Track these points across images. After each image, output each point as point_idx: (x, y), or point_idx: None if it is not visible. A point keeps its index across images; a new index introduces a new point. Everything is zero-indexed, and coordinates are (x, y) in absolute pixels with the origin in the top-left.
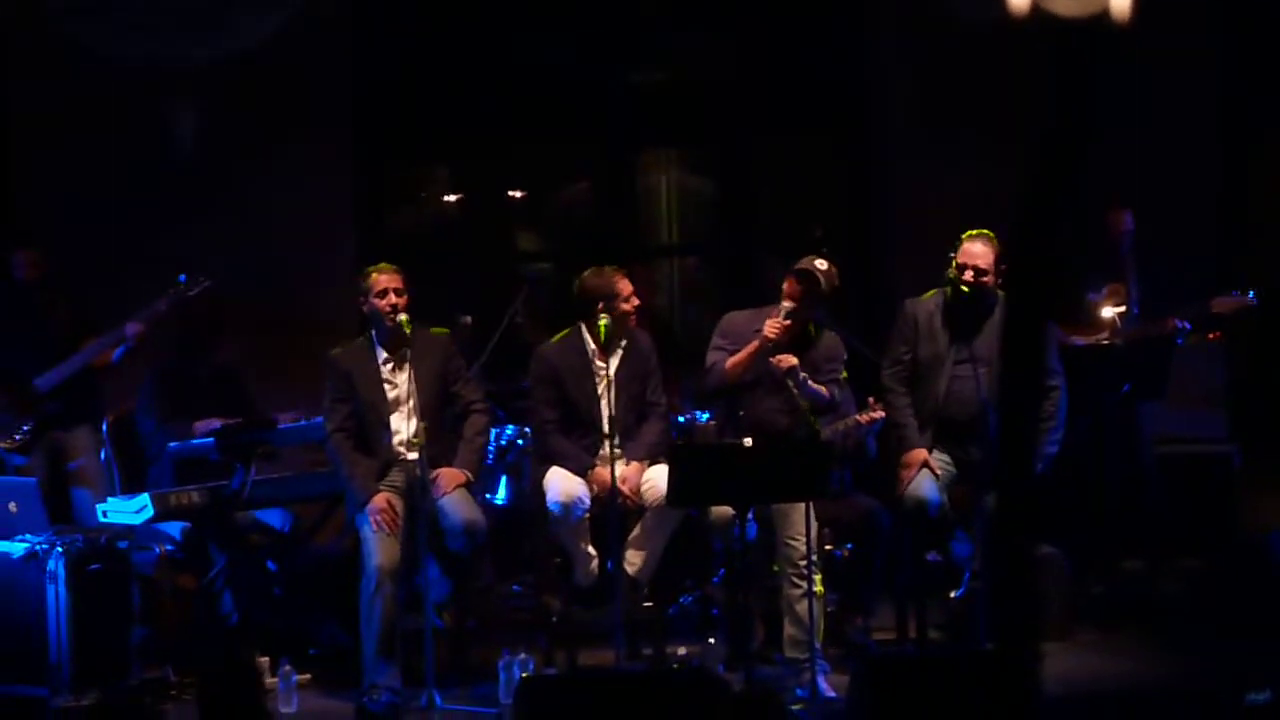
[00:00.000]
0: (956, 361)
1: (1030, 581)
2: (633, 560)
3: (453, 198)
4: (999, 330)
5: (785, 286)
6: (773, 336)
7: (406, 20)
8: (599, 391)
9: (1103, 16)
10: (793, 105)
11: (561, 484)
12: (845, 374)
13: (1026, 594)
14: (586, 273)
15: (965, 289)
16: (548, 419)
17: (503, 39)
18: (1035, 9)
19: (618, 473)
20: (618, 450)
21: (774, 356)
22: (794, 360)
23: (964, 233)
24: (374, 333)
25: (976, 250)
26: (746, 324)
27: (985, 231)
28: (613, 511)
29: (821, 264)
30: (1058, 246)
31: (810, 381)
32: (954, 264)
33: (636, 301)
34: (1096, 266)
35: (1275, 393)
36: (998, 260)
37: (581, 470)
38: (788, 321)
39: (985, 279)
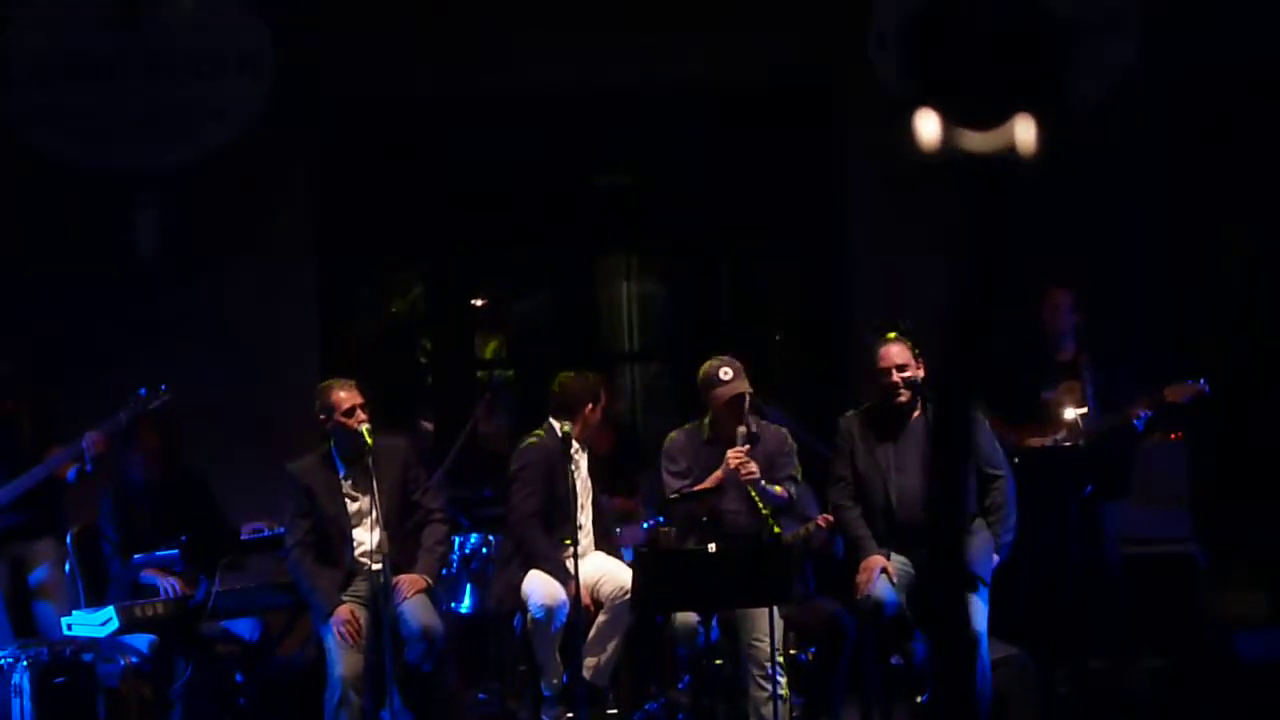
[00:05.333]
0: (898, 468)
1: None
2: (587, 664)
3: (414, 304)
4: (923, 429)
5: (719, 412)
6: (736, 465)
7: (368, 127)
8: (576, 489)
9: (1010, 151)
10: (754, 212)
11: (544, 588)
12: (799, 467)
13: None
14: (570, 375)
15: (900, 390)
16: (530, 512)
17: (464, 145)
18: (945, 145)
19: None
20: (582, 548)
21: (738, 466)
22: (756, 472)
23: (876, 343)
24: (333, 446)
25: (894, 351)
26: (689, 442)
27: (892, 335)
28: (578, 615)
29: (727, 372)
30: (981, 363)
31: (767, 485)
32: (880, 371)
33: (599, 412)
34: (1046, 364)
35: (1238, 492)
36: (915, 357)
37: (563, 578)
38: (748, 445)
39: (907, 373)
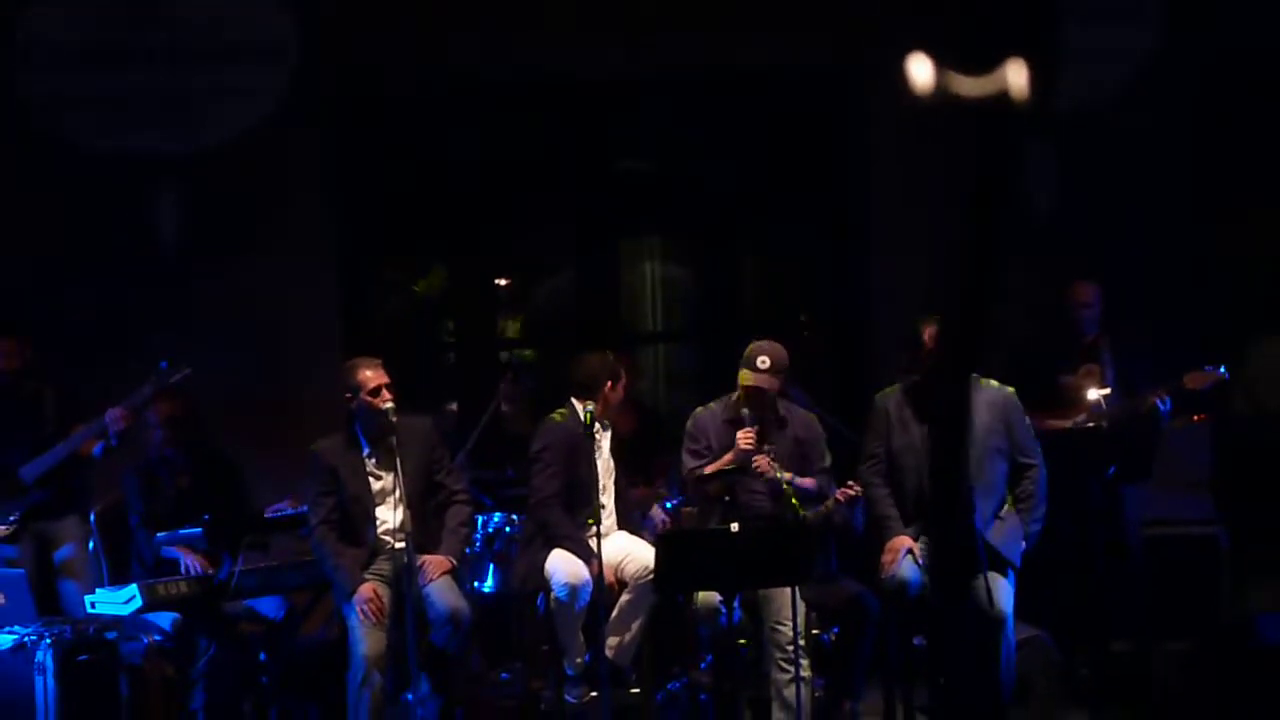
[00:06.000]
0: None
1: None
2: (610, 644)
3: (437, 285)
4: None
5: (740, 396)
6: (748, 448)
7: (390, 109)
8: (598, 469)
9: (1003, 96)
10: (776, 192)
11: (568, 568)
12: (829, 455)
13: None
14: (591, 354)
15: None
16: (551, 493)
17: (486, 127)
18: (939, 90)
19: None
20: (605, 527)
21: (756, 461)
22: (764, 466)
23: (921, 322)
24: (358, 426)
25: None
26: (712, 419)
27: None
28: (600, 595)
29: (763, 362)
30: (982, 321)
31: (796, 479)
32: (925, 352)
33: (620, 393)
34: (1066, 348)
35: (1261, 474)
36: None
37: (586, 556)
38: (756, 427)
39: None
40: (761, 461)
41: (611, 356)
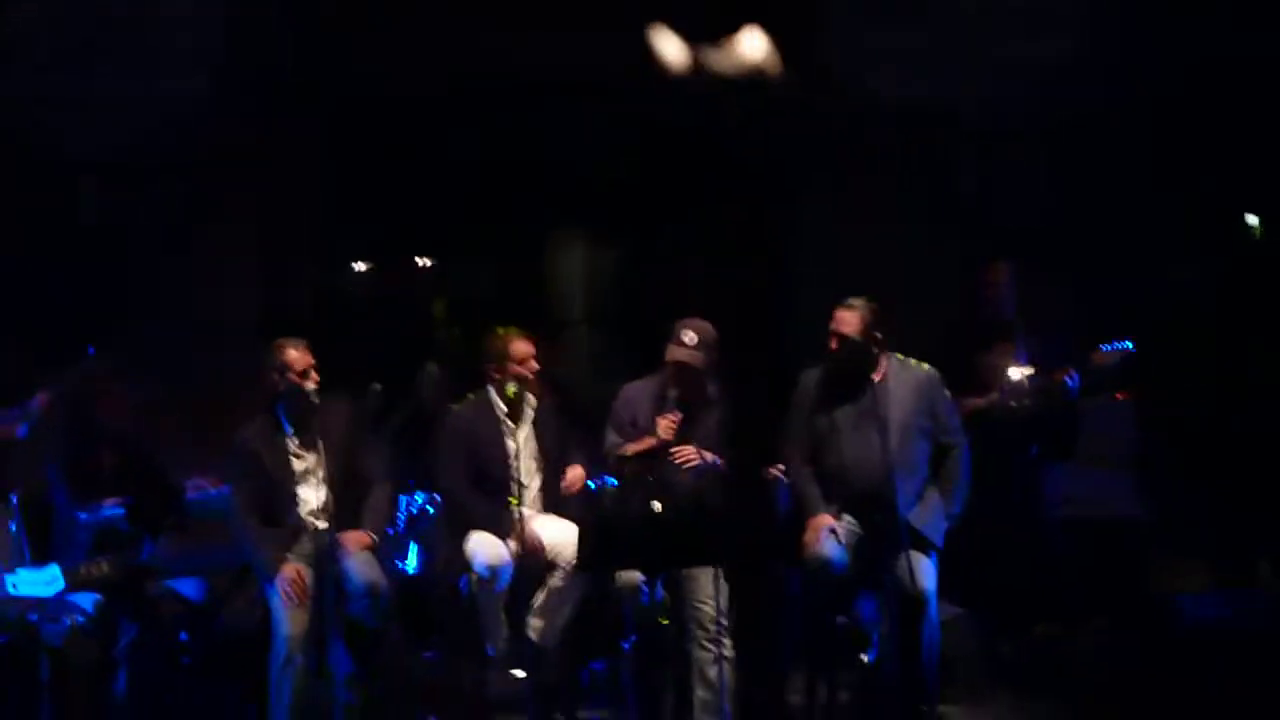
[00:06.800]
0: (854, 429)
1: None
2: (535, 626)
3: (363, 268)
4: (889, 396)
5: (668, 368)
6: (669, 437)
7: (318, 100)
8: (510, 453)
9: (757, 73)
10: (698, 182)
11: (488, 549)
12: None
13: None
14: (489, 335)
15: (831, 354)
16: (454, 477)
17: (415, 116)
18: (695, 67)
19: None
20: (528, 512)
21: (675, 453)
22: (692, 458)
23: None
24: (280, 407)
25: (841, 317)
26: (641, 394)
27: (854, 301)
28: (522, 575)
29: (689, 337)
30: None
31: (708, 456)
32: (837, 335)
33: (535, 366)
34: (984, 327)
35: (1184, 453)
36: (870, 325)
37: (502, 531)
38: (680, 415)
39: (848, 342)
40: (681, 453)
41: (503, 337)
